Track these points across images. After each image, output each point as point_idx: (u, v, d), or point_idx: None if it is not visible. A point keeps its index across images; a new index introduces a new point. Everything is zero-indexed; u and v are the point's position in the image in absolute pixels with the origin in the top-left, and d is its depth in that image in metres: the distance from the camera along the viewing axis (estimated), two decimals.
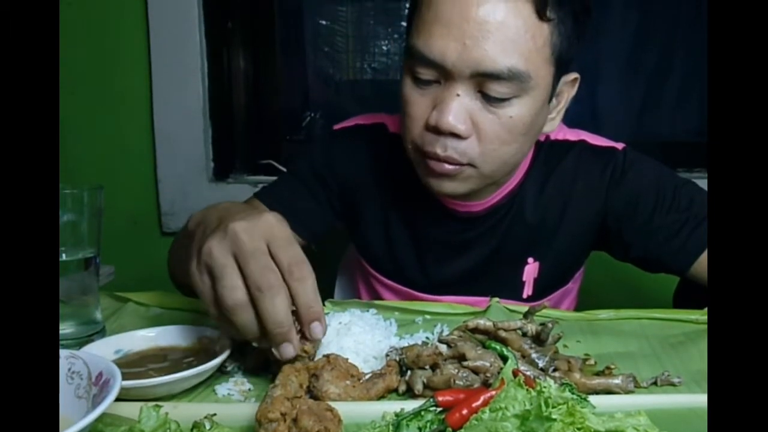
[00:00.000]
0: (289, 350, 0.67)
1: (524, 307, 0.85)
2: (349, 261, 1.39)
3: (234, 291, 0.65)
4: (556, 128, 1.03)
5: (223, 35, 1.92)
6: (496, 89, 0.88)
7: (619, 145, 1.10)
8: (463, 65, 0.87)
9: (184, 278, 0.91)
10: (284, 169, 1.91)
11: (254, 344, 0.69)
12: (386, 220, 1.15)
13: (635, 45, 2.00)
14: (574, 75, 0.99)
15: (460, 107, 0.89)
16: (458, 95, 0.89)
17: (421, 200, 1.08)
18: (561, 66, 0.93)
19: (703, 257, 1.01)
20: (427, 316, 0.94)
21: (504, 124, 0.91)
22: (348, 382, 0.67)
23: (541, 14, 0.87)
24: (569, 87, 1.00)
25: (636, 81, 2.02)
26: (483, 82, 0.88)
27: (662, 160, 1.11)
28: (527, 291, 1.11)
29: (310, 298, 0.67)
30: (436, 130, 0.91)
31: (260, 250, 0.66)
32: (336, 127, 1.22)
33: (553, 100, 0.98)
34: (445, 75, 0.90)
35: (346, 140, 1.19)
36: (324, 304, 0.95)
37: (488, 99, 0.89)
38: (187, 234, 0.81)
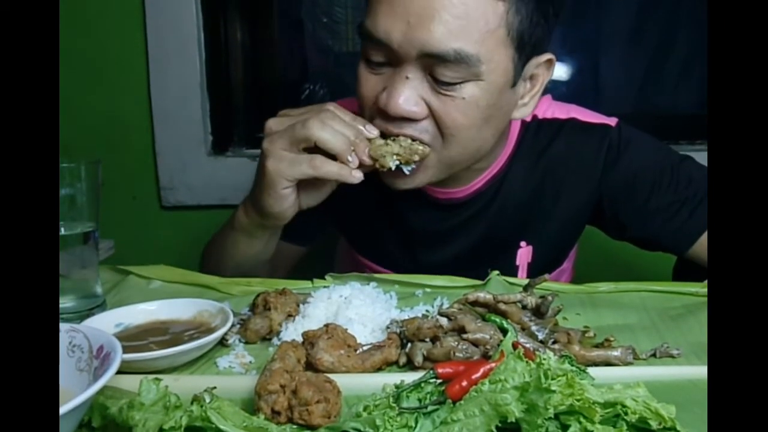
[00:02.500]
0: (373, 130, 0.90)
1: (524, 281, 0.85)
2: (342, 249, 1.38)
3: (308, 120, 0.87)
4: (529, 114, 0.98)
5: (220, 6, 1.90)
6: (445, 73, 0.84)
7: (612, 121, 1.06)
8: (409, 46, 0.83)
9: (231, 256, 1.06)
10: None
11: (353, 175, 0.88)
12: (369, 212, 1.12)
13: (637, 17, 1.98)
14: (547, 56, 0.92)
15: (410, 91, 0.85)
16: (407, 78, 0.85)
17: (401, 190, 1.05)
18: (524, 48, 0.87)
19: (703, 238, 1.00)
20: (427, 290, 0.94)
21: (458, 105, 0.86)
22: (342, 351, 0.67)
23: None
24: (543, 69, 0.94)
25: (638, 53, 2.00)
26: (431, 64, 0.84)
27: (664, 133, 1.09)
28: (521, 275, 1.09)
29: (348, 115, 0.90)
30: (386, 115, 0.87)
31: (292, 122, 0.89)
32: None
33: (524, 84, 0.93)
34: (393, 56, 0.86)
35: None
36: (324, 278, 0.96)
37: (438, 83, 0.85)
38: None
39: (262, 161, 0.91)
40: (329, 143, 0.86)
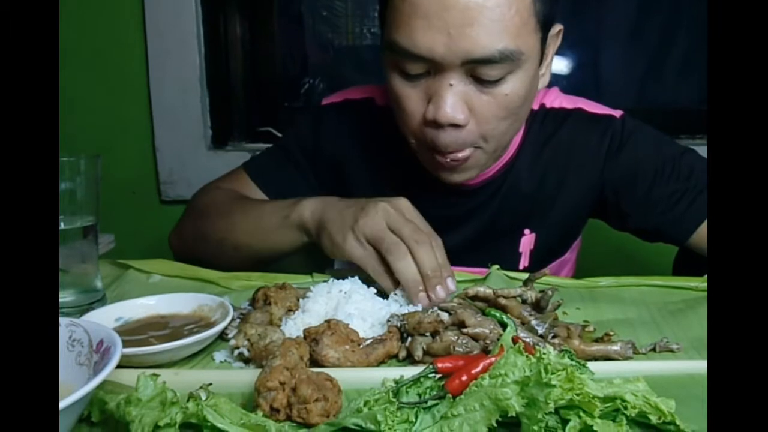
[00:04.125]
0: (441, 294, 0.81)
1: (524, 275, 0.85)
2: None
3: (399, 245, 0.82)
4: (547, 82, 1.01)
5: (220, 1, 1.89)
6: (489, 72, 0.86)
7: (617, 113, 1.08)
8: (453, 56, 0.84)
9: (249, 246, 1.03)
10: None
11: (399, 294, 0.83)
12: (378, 196, 1.12)
13: (638, 11, 1.98)
14: (557, 27, 0.96)
15: (455, 97, 0.87)
16: (451, 85, 0.87)
17: (414, 175, 1.06)
18: (546, 27, 0.91)
19: (703, 227, 1.00)
20: None
21: (500, 102, 0.89)
22: (347, 346, 0.67)
23: None
24: (554, 40, 0.97)
25: (639, 47, 2.00)
26: (475, 67, 0.85)
27: (665, 127, 1.09)
28: (524, 263, 1.10)
29: (444, 259, 0.85)
30: (435, 124, 0.89)
31: (407, 220, 0.85)
32: (325, 101, 1.19)
33: None
34: (434, 67, 0.87)
35: (334, 116, 1.17)
36: (324, 272, 0.96)
37: (481, 82, 0.87)
38: (298, 222, 0.96)
39: (344, 241, 0.87)
40: (399, 274, 0.82)
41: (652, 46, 1.98)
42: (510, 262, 1.09)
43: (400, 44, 0.86)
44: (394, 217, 0.85)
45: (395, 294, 0.83)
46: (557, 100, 1.09)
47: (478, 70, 0.86)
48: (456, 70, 0.86)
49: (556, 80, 1.03)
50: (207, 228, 1.09)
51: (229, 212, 1.08)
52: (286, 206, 0.98)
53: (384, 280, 0.84)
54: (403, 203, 0.88)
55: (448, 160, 0.93)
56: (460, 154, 0.93)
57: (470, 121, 0.89)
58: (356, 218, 0.86)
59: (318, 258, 0.98)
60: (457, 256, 1.06)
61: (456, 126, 0.89)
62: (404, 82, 0.91)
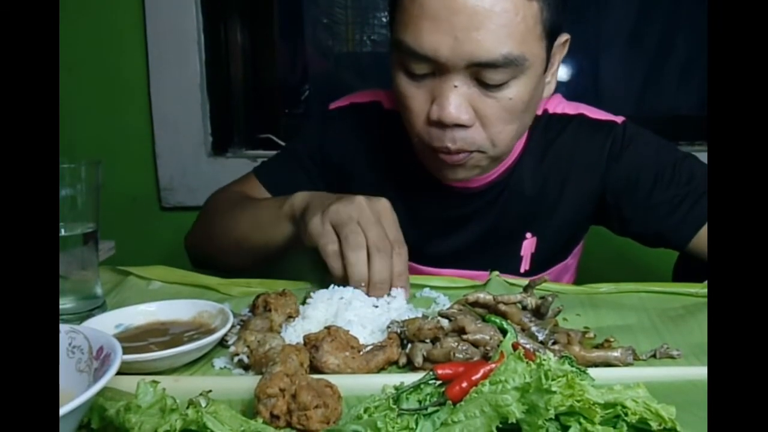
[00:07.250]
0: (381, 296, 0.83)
1: (524, 281, 0.85)
2: None
3: (357, 235, 0.84)
4: (553, 90, 1.02)
5: (220, 8, 1.90)
6: (493, 76, 0.87)
7: (619, 119, 1.09)
8: (457, 58, 0.86)
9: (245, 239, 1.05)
10: (283, 144, 1.91)
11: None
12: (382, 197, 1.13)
13: (638, 18, 1.99)
14: (564, 37, 0.97)
15: (459, 98, 0.89)
16: (456, 86, 0.88)
17: (418, 177, 1.07)
18: (552, 36, 0.92)
19: (703, 232, 1.01)
20: (427, 290, 0.94)
21: (504, 106, 0.90)
22: (347, 353, 0.67)
23: None
24: (560, 49, 0.98)
25: (639, 54, 2.01)
26: (479, 70, 0.87)
27: (664, 134, 1.10)
28: (524, 266, 1.11)
29: (403, 268, 0.86)
30: (440, 124, 0.91)
31: (377, 221, 0.86)
32: (331, 106, 1.22)
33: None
34: (439, 68, 0.88)
35: (341, 120, 1.19)
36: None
37: (485, 85, 0.89)
38: (284, 207, 0.98)
39: (310, 219, 0.89)
40: (347, 263, 0.84)
41: (652, 53, 1.99)
42: (511, 265, 1.10)
43: (407, 44, 0.88)
44: (365, 215, 0.86)
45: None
46: (560, 105, 1.10)
47: (482, 73, 0.87)
48: (460, 72, 0.87)
49: (557, 87, 1.04)
50: (213, 226, 1.14)
51: (231, 210, 1.11)
52: (281, 200, 1.01)
53: (334, 261, 0.85)
54: (382, 204, 0.89)
55: (452, 156, 0.94)
56: (462, 154, 0.94)
57: (476, 122, 0.91)
58: (330, 204, 0.88)
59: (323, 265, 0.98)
60: (459, 258, 1.08)
61: (461, 126, 0.90)
62: (409, 82, 0.93)
